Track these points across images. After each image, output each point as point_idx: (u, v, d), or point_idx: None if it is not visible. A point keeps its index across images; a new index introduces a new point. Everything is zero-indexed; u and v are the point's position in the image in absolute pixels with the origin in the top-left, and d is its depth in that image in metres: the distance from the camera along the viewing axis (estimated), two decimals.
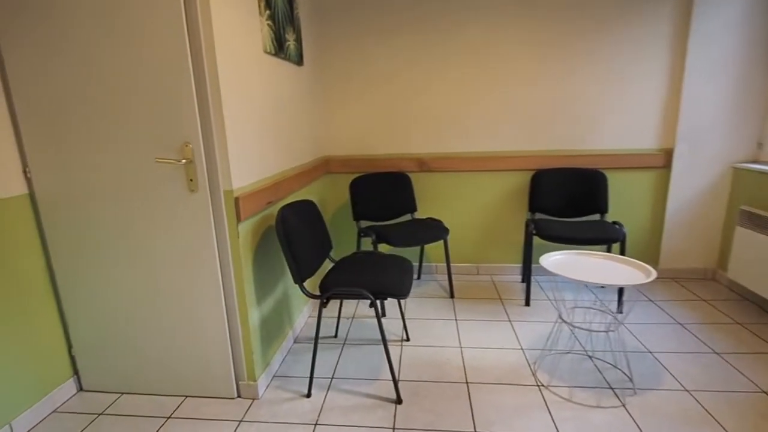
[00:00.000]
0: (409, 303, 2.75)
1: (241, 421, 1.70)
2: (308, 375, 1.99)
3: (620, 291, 2.61)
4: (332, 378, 1.98)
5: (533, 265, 3.13)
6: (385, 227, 2.72)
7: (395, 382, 1.83)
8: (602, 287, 2.90)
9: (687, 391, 1.81)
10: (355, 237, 3.19)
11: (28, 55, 1.60)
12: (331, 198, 3.15)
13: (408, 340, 2.30)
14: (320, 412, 1.74)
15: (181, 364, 1.84)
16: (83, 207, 1.72)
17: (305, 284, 1.84)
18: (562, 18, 2.70)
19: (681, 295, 2.73)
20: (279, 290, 2.14)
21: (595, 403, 1.74)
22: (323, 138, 3.03)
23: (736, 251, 2.61)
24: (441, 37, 2.81)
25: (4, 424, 1.60)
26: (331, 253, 3.12)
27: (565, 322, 1.99)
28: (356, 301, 2.82)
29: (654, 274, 1.79)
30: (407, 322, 2.50)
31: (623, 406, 1.72)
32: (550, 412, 1.70)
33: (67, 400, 1.86)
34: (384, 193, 2.93)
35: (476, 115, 2.91)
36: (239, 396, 1.86)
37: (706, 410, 1.69)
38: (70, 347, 1.89)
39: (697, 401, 1.74)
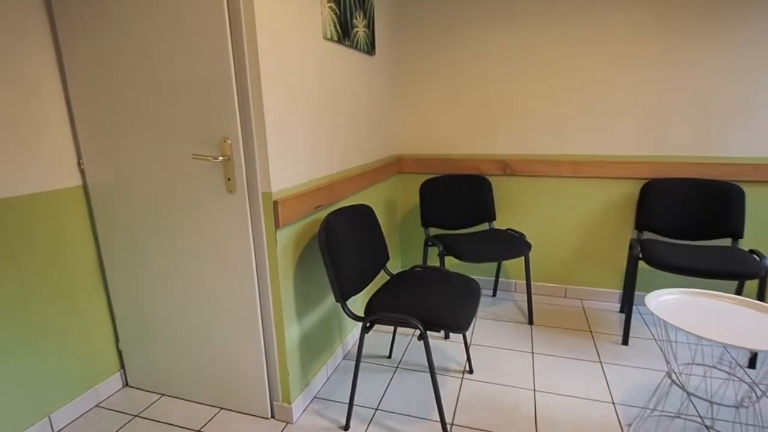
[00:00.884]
0: (478, 324, 2.40)
1: None
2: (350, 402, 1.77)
3: None
4: (376, 409, 1.73)
5: (636, 293, 2.59)
6: (455, 237, 2.39)
7: (444, 427, 1.53)
8: None
9: None
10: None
11: (83, 53, 1.55)
12: (402, 201, 2.89)
13: (471, 372, 1.97)
14: None
15: (218, 374, 1.72)
16: (129, 201, 1.66)
17: (355, 299, 1.61)
18: None
19: None
20: (328, 301, 1.94)
21: None
22: (396, 135, 2.77)
23: None
24: (539, 21, 2.39)
25: (43, 416, 1.60)
26: (391, 265, 2.87)
27: (676, 384, 1.52)
28: None
29: None
30: (473, 349, 2.16)
31: None
32: None
33: (112, 394, 1.85)
34: (458, 198, 2.59)
35: (574, 111, 2.44)
36: (273, 417, 1.70)
37: None
38: (117, 341, 1.88)
39: None
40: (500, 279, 2.82)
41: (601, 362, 2.03)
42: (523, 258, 2.58)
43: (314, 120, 1.72)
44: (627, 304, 2.16)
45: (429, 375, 1.94)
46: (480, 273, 2.84)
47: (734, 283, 2.32)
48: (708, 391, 1.83)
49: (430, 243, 2.40)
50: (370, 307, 1.60)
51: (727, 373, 1.88)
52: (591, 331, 2.31)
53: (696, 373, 1.96)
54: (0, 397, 1.46)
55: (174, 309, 1.72)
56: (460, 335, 2.27)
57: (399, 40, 2.65)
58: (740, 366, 2.02)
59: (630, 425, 1.62)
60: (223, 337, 1.67)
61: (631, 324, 2.37)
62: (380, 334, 2.31)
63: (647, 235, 2.43)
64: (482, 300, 2.70)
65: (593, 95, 2.39)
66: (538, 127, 2.52)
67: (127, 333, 1.84)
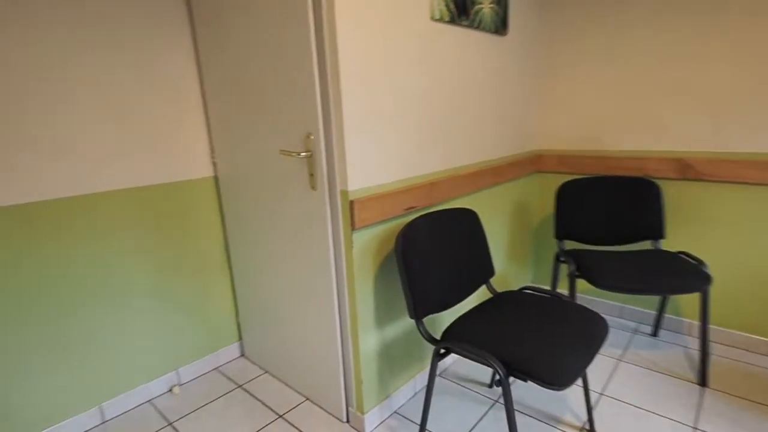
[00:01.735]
0: (620, 369, 1.89)
1: None
2: (431, 429, 1.58)
3: None
4: None
5: None
6: (597, 255, 1.92)
7: None
8: None
9: None
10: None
11: (214, 60, 1.72)
12: (539, 205, 2.48)
13: None
14: None
15: (307, 365, 1.75)
16: (242, 192, 1.80)
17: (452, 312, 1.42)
18: None
19: None
20: None
21: None
22: (537, 127, 2.37)
23: None
24: None
25: (173, 370, 1.88)
26: (518, 281, 2.50)
27: None
28: None
29: None
30: (605, 403, 1.70)
31: None
32: None
33: (230, 362, 2.07)
34: (609, 206, 2.07)
35: None
36: (348, 422, 1.64)
37: None
38: (237, 314, 2.09)
39: None
40: (665, 315, 2.17)
41: None
42: (698, 294, 1.91)
43: (412, 112, 1.55)
44: None
45: (539, 424, 1.61)
46: (639, 302, 2.24)
47: None
48: None
49: (561, 259, 1.98)
50: (448, 332, 1.38)
51: None
52: None
53: None
54: (141, 348, 1.77)
55: (273, 295, 1.81)
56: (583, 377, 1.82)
57: (543, 16, 2.23)
58: None
59: None
60: (308, 330, 1.68)
61: None
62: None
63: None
64: (637, 339, 2.12)
65: None
66: (733, 116, 1.81)
67: (244, 309, 2.03)
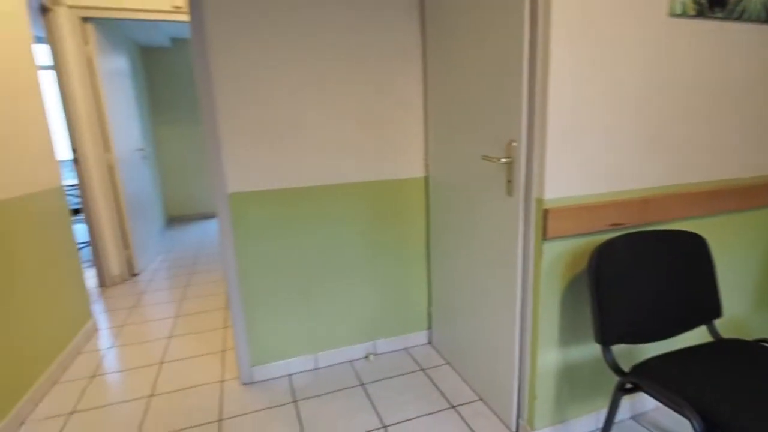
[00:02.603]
0: None
1: None
2: None
3: None
4: None
5: None
6: None
7: None
8: None
9: None
10: None
11: (433, 72, 1.93)
12: None
13: None
14: None
15: (484, 367, 1.79)
16: (446, 192, 1.96)
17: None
18: None
19: None
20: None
21: None
22: None
23: None
24: None
25: (371, 340, 2.19)
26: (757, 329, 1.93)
27: None
28: None
29: None
30: None
31: None
32: None
33: (417, 346, 2.28)
34: None
35: None
36: None
37: None
38: (429, 304, 2.27)
39: None
40: None
41: None
42: None
43: (630, 121, 1.41)
44: None
45: None
46: None
47: None
48: None
49: None
50: (642, 366, 1.21)
51: None
52: None
53: None
54: (353, 315, 2.13)
55: (461, 292, 1.91)
56: None
57: None
58: None
59: None
60: (489, 332, 1.72)
61: None
62: None
63: None
64: None
65: None
66: None
67: (436, 301, 2.20)
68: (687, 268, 1.36)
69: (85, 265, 3.76)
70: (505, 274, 1.57)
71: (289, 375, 2.05)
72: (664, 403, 1.08)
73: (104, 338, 2.51)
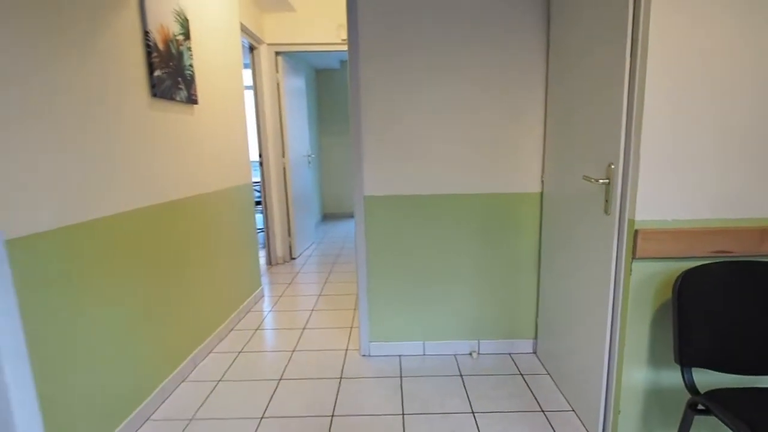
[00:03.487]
0: None
1: None
2: None
3: None
4: None
5: None
6: None
7: None
8: None
9: None
10: None
11: (556, 95, 2.05)
12: None
13: None
14: None
15: (576, 380, 1.84)
16: (554, 208, 2.04)
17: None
18: None
19: None
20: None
21: None
22: None
23: None
24: None
25: (475, 339, 2.37)
26: None
27: None
28: None
29: None
30: None
31: None
32: None
33: (521, 353, 2.37)
34: None
35: None
36: None
37: None
38: (537, 315, 2.35)
39: None
40: None
41: None
42: None
43: (738, 144, 1.35)
44: None
45: None
46: None
47: None
48: None
49: None
50: (720, 392, 1.18)
51: None
52: None
53: None
54: (458, 311, 2.35)
55: (562, 306, 1.98)
56: None
57: None
58: None
59: None
60: (583, 346, 1.77)
61: None
62: None
63: None
64: None
65: None
66: None
67: (542, 311, 2.27)
68: None
69: (260, 246, 4.71)
70: (599, 290, 1.62)
71: (400, 355, 2.37)
72: (727, 424, 1.07)
73: (267, 303, 3.21)
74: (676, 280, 1.30)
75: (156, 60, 2.03)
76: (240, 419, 1.85)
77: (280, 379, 2.16)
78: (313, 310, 3.05)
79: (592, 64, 1.64)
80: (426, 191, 2.24)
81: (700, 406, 1.20)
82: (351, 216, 6.76)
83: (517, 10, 2.07)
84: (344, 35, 3.87)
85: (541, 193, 2.24)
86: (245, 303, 3.02)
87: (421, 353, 2.39)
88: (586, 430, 1.74)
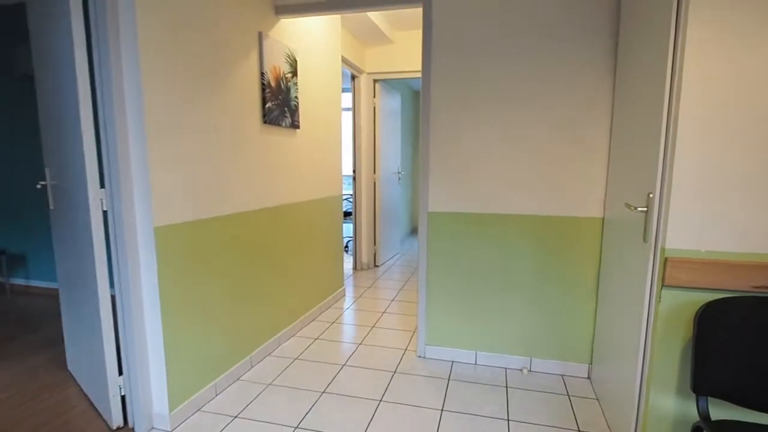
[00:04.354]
0: None
1: None
2: None
3: None
4: None
5: None
6: None
7: None
8: None
9: None
10: None
11: (619, 123, 2.11)
12: None
13: None
14: None
15: (616, 402, 1.85)
16: (611, 234, 2.08)
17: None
18: None
19: None
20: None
21: None
22: None
23: None
24: None
25: (526, 356, 2.45)
26: None
27: None
28: None
29: None
30: None
31: None
32: None
33: (576, 377, 2.38)
34: None
35: None
36: None
37: None
38: (593, 340, 2.35)
39: None
40: None
41: None
42: None
43: None
44: None
45: None
46: None
47: None
48: None
49: None
50: (721, 422, 1.19)
51: None
52: None
53: None
54: (512, 326, 2.46)
55: (611, 332, 1.99)
56: None
57: None
58: None
59: None
60: (622, 372, 1.79)
61: None
62: None
63: None
64: None
65: None
66: None
67: (598, 338, 2.28)
68: None
69: (349, 252, 5.19)
70: (634, 317, 1.66)
71: (452, 361, 2.55)
72: None
73: (347, 301, 3.60)
74: (698, 310, 1.33)
75: (268, 94, 2.55)
76: (306, 390, 2.21)
77: (344, 365, 2.49)
78: (384, 312, 3.36)
79: (641, 95, 1.71)
80: (487, 210, 2.41)
81: None
82: None
83: (584, 43, 2.17)
84: None
85: (603, 219, 2.27)
86: (327, 299, 3.45)
87: (473, 362, 2.54)
88: None
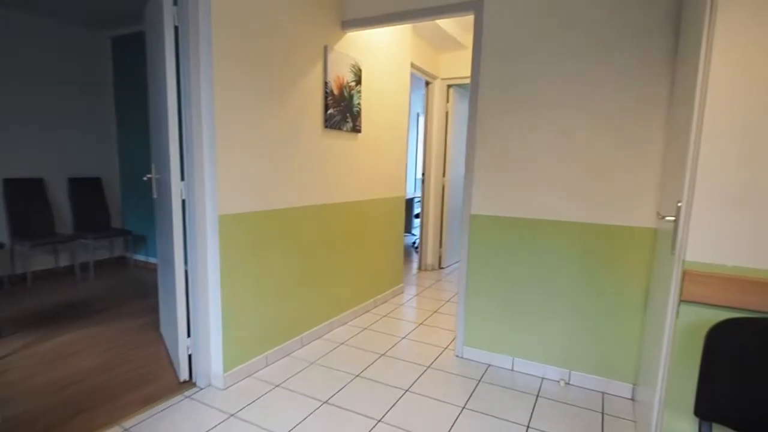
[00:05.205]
0: None
1: None
2: None
3: None
4: None
5: None
6: None
7: None
8: None
9: None
10: None
11: (674, 128, 1.97)
12: None
13: None
14: None
15: (645, 423, 1.74)
16: (659, 245, 1.95)
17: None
18: None
19: None
20: None
21: None
22: None
23: None
24: None
25: (565, 367, 2.37)
26: None
27: None
28: None
29: None
30: None
31: None
32: None
33: (619, 396, 2.25)
34: None
35: None
36: None
37: None
38: (638, 359, 2.20)
39: None
40: None
41: None
42: None
43: None
44: None
45: None
46: None
47: None
48: None
49: None
50: None
51: None
52: None
53: None
54: (552, 334, 2.40)
55: (650, 349, 1.87)
56: None
57: None
58: None
59: None
60: (649, 393, 1.69)
61: None
62: None
63: None
64: None
65: None
66: None
67: (644, 358, 2.13)
68: None
69: (417, 252, 5.32)
70: (659, 334, 1.57)
71: (488, 364, 2.56)
72: None
73: (404, 298, 3.75)
74: (710, 328, 1.25)
75: (330, 101, 2.82)
76: (342, 372, 2.41)
77: (383, 354, 2.65)
78: (436, 311, 3.45)
79: (683, 99, 1.61)
80: (531, 215, 2.39)
81: None
82: None
83: (636, 46, 2.07)
84: None
85: (655, 230, 2.12)
86: (385, 293, 3.63)
87: (509, 368, 2.52)
88: None
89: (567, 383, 2.37)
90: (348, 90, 2.97)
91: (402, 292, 3.93)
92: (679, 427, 1.44)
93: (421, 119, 5.78)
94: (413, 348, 2.76)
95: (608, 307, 2.26)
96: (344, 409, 2.06)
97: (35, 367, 2.36)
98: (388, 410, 2.06)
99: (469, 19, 3.89)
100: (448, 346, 2.81)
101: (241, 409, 2.03)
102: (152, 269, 4.57)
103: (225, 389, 2.20)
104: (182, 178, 2.18)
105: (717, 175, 1.32)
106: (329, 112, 2.81)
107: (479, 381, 2.37)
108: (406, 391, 2.24)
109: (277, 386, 2.25)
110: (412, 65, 3.99)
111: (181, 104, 2.12)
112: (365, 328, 3.07)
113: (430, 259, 4.75)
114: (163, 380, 2.26)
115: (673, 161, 1.67)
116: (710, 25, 1.30)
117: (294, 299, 2.67)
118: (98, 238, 4.19)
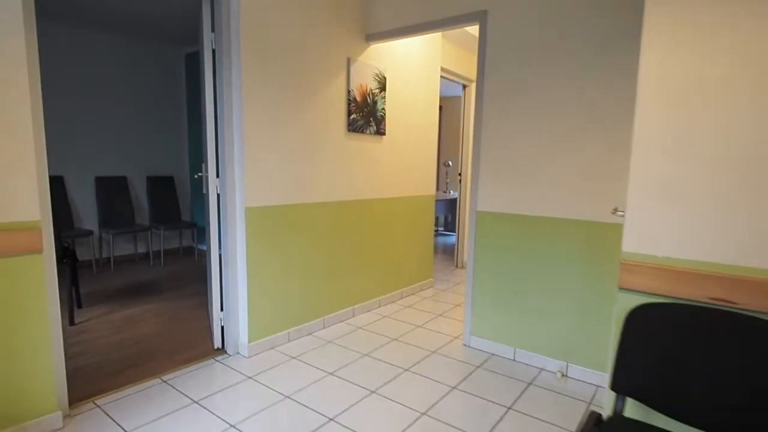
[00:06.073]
0: None
1: None
2: None
3: None
4: None
5: None
6: None
7: None
8: None
9: None
10: None
11: None
12: None
13: None
14: None
15: None
16: None
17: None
18: None
19: None
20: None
21: None
22: None
23: None
24: None
25: (563, 360, 2.43)
26: None
27: None
28: None
29: None
30: None
31: None
32: None
33: None
34: None
35: None
36: None
37: None
38: None
39: None
40: None
41: None
42: None
43: (711, 179, 1.22)
44: None
45: None
46: None
47: None
48: None
49: None
50: (621, 418, 1.19)
51: None
52: None
53: None
54: (553, 328, 2.48)
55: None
56: None
57: None
58: None
59: None
60: None
61: None
62: None
63: None
64: None
65: None
66: None
67: None
68: None
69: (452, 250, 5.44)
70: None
71: (492, 354, 2.69)
72: None
73: (431, 291, 3.94)
74: (628, 312, 1.34)
75: (353, 107, 3.11)
76: (353, 351, 2.68)
77: (395, 339, 2.88)
78: (457, 305, 3.59)
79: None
80: (532, 212, 2.49)
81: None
82: None
83: (620, 53, 2.11)
84: None
85: None
86: (411, 286, 3.85)
87: (511, 358, 2.63)
88: None
89: (564, 375, 2.44)
90: (371, 96, 3.23)
91: (431, 287, 4.11)
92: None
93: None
94: (426, 335, 2.96)
95: (607, 303, 2.30)
96: (345, 380, 2.33)
97: (105, 330, 2.91)
98: (384, 384, 2.29)
99: None
100: (459, 335, 2.97)
101: (258, 374, 2.38)
102: None
103: (249, 357, 2.57)
104: (217, 176, 2.59)
105: (645, 169, 1.40)
106: (352, 117, 3.10)
107: (478, 367, 2.51)
108: (406, 370, 2.46)
109: (293, 358, 2.58)
110: (443, 69, 4.16)
111: (216, 114, 2.52)
112: (386, 316, 3.31)
113: (465, 256, 4.87)
114: (202, 347, 2.68)
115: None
116: (644, 27, 1.39)
117: (317, 285, 2.99)
118: (170, 229, 4.86)
